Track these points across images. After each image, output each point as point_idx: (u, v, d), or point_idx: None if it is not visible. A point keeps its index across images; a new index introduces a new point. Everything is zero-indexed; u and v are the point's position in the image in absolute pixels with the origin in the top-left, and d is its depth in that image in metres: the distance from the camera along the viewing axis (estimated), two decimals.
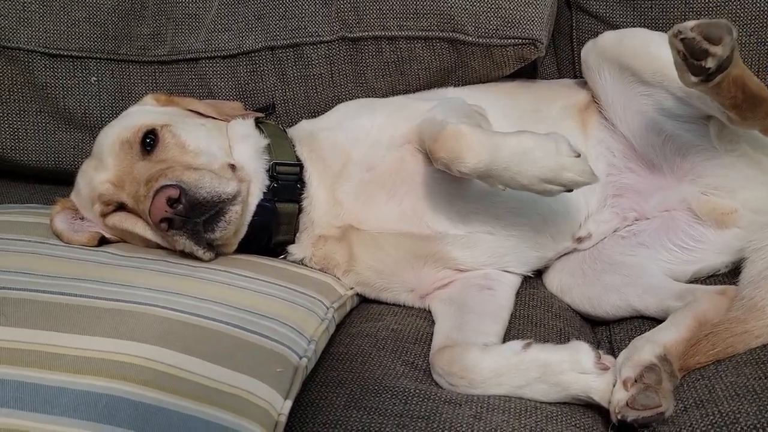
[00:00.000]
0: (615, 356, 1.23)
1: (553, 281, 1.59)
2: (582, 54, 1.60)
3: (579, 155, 1.23)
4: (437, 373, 1.23)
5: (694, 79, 1.19)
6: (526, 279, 1.57)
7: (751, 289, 1.26)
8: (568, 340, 1.35)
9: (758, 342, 1.20)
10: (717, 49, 1.14)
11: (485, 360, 1.20)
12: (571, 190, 1.26)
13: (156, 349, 1.03)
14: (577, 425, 1.15)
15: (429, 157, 1.39)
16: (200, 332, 1.09)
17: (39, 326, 1.06)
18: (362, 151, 1.47)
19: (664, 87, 1.43)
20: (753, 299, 1.23)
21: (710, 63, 1.15)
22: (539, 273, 1.62)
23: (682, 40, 1.16)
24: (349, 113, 1.59)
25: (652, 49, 1.44)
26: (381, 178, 1.46)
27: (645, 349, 1.18)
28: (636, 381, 1.13)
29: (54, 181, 1.91)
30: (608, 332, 1.48)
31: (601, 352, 1.21)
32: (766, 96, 1.26)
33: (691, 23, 1.16)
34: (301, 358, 1.13)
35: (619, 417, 1.11)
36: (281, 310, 1.21)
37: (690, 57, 1.17)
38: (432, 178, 1.44)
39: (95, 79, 1.86)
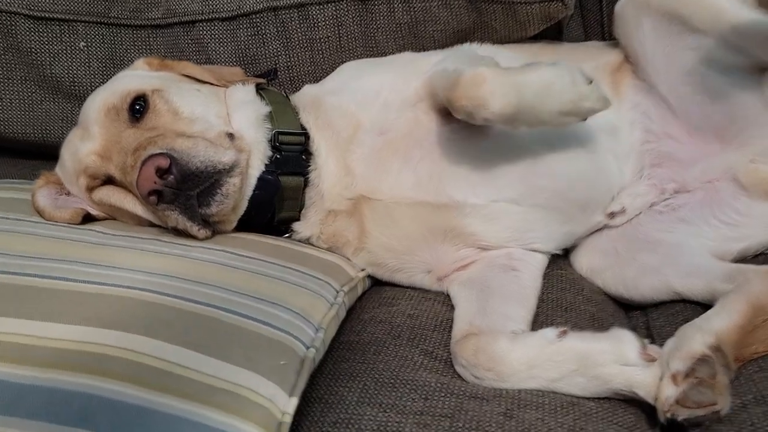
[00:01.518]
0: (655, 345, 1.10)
1: (583, 261, 1.45)
2: (617, 8, 1.46)
3: (591, 81, 1.15)
4: (461, 364, 1.10)
5: None
6: (552, 260, 1.44)
7: None
8: (603, 327, 1.23)
9: None
10: None
11: (516, 350, 1.07)
12: (585, 119, 1.18)
13: (141, 339, 0.90)
14: (619, 423, 1.02)
15: (444, 116, 1.28)
16: (192, 319, 0.96)
17: (11, 313, 0.94)
18: (372, 115, 1.35)
19: (718, 33, 1.28)
20: None
21: None
22: (566, 253, 1.48)
23: None
24: (355, 74, 1.46)
25: None
26: (395, 142, 1.33)
27: (695, 338, 1.04)
28: (687, 375, 0.99)
29: (41, 155, 1.77)
30: (645, 318, 1.35)
31: (646, 341, 1.07)
32: None
33: None
34: (308, 348, 0.99)
35: (668, 416, 0.98)
36: (285, 293, 1.08)
37: None
38: (449, 139, 1.31)
39: (84, 44, 1.73)
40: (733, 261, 1.33)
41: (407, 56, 1.51)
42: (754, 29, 1.16)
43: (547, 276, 1.40)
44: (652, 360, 1.04)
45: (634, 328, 1.32)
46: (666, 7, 1.35)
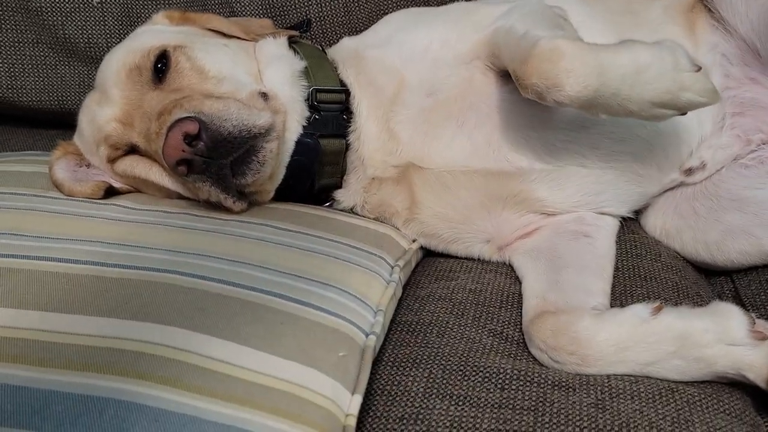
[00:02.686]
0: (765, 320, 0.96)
1: (657, 223, 1.32)
2: None
3: (699, 69, 0.97)
4: (537, 347, 0.97)
5: None
6: (622, 221, 1.29)
7: None
8: (688, 298, 1.11)
9: None
10: None
11: (603, 330, 0.94)
12: (685, 113, 1.00)
13: (178, 331, 0.78)
14: (727, 411, 0.89)
15: (503, 76, 1.14)
16: (236, 306, 0.84)
17: (24, 305, 0.83)
18: (421, 72, 1.21)
19: None
20: None
21: None
22: (636, 214, 1.34)
23: None
24: (402, 25, 1.31)
25: None
26: (446, 105, 1.19)
27: None
28: None
29: (59, 124, 1.68)
30: (732, 285, 1.23)
31: (754, 315, 0.93)
32: None
33: None
34: (368, 335, 0.87)
35: None
36: (337, 272, 0.95)
37: None
38: (510, 101, 1.17)
39: (98, 1, 1.62)
40: None
41: (463, 5, 1.34)
42: None
43: (620, 241, 1.26)
44: (764, 338, 0.91)
45: (719, 297, 1.21)
46: None
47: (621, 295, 1.12)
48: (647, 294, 1.12)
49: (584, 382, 0.91)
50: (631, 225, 1.33)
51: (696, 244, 1.26)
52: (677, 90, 0.97)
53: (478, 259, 1.25)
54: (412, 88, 1.21)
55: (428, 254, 1.28)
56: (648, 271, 1.20)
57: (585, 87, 0.98)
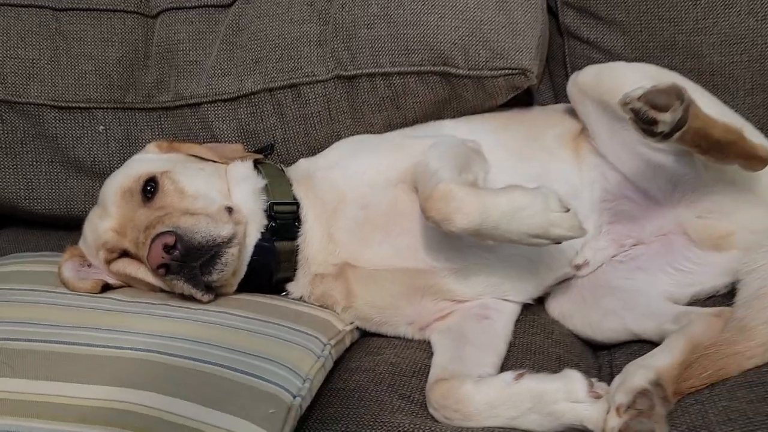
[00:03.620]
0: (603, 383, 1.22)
1: (554, 307, 1.59)
2: (567, 87, 1.62)
3: (568, 210, 1.24)
4: (433, 406, 1.25)
5: (651, 139, 1.23)
6: (528, 306, 1.57)
7: (743, 310, 1.26)
8: (568, 367, 1.36)
9: (751, 363, 1.20)
10: (665, 116, 1.19)
11: (479, 392, 1.21)
12: (560, 242, 1.27)
13: (153, 395, 1.07)
14: None
15: None
16: (195, 376, 1.12)
17: (41, 376, 1.11)
18: (357, 191, 1.49)
19: None
20: (744, 320, 1.23)
21: (661, 128, 1.20)
22: (541, 300, 1.62)
23: (631, 109, 1.20)
24: (346, 152, 1.62)
25: (628, 86, 1.42)
26: (376, 217, 1.47)
27: (637, 374, 1.18)
28: (629, 407, 1.13)
29: (66, 227, 1.95)
30: (610, 357, 1.48)
31: (594, 380, 1.21)
32: (732, 139, 1.29)
33: (638, 92, 1.21)
34: (294, 397, 1.15)
35: None
36: (276, 349, 1.24)
37: (642, 123, 1.20)
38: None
39: (103, 128, 1.91)
40: (687, 304, 1.46)
41: (396, 139, 1.64)
42: None
43: (521, 322, 1.54)
44: (599, 396, 1.18)
45: (600, 367, 1.47)
46: (600, 97, 1.50)
47: (512, 366, 1.36)
48: (533, 365, 1.37)
49: None
50: (535, 308, 1.61)
51: (583, 324, 1.53)
52: (548, 226, 1.23)
53: (404, 338, 1.52)
54: (349, 203, 1.49)
55: (365, 334, 1.55)
56: (539, 346, 1.47)
57: (470, 222, 1.24)
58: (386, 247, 1.46)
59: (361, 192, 1.49)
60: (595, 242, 1.55)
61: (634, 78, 1.43)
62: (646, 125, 1.21)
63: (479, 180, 1.47)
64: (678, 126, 1.20)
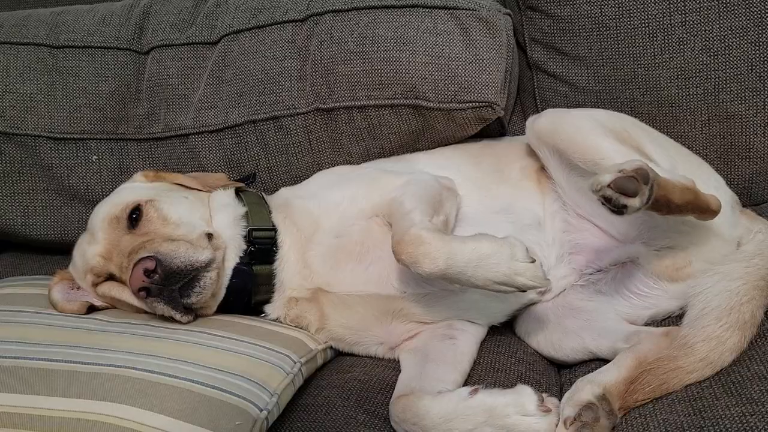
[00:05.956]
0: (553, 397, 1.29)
1: (522, 327, 1.67)
2: (525, 130, 1.68)
3: (533, 261, 1.30)
4: (394, 420, 1.32)
5: (620, 217, 1.29)
6: (496, 327, 1.65)
7: (687, 329, 1.33)
8: (529, 385, 1.43)
9: (692, 378, 1.27)
10: (635, 201, 1.25)
11: (435, 407, 1.28)
12: (524, 291, 1.33)
13: (127, 408, 1.15)
14: None
15: None
16: (168, 391, 1.21)
17: (27, 391, 1.20)
18: (332, 220, 1.57)
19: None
20: (686, 338, 1.31)
21: (631, 210, 1.26)
22: (510, 322, 1.68)
23: (602, 196, 1.26)
24: (323, 183, 1.71)
25: (582, 138, 1.51)
26: (349, 246, 1.55)
27: (585, 389, 1.25)
28: (575, 420, 1.21)
29: (61, 251, 2.03)
30: (571, 375, 1.55)
31: (545, 395, 1.28)
32: (689, 199, 1.36)
33: (607, 178, 1.25)
34: (261, 410, 1.23)
35: None
36: (247, 366, 1.32)
37: (613, 206, 1.26)
38: None
39: (96, 157, 2.02)
40: (645, 324, 1.53)
41: (372, 174, 1.70)
42: None
43: (487, 341, 1.61)
44: (548, 410, 1.25)
45: (562, 385, 1.54)
46: (555, 145, 1.57)
47: (475, 383, 1.44)
48: (495, 382, 1.45)
49: None
50: (503, 329, 1.69)
51: (546, 344, 1.59)
52: (513, 275, 1.28)
53: (375, 357, 1.60)
54: (324, 231, 1.57)
55: (339, 354, 1.63)
56: (503, 364, 1.54)
57: (436, 267, 1.30)
58: (358, 273, 1.54)
59: (336, 222, 1.57)
60: (556, 270, 1.62)
61: (586, 126, 1.52)
62: (616, 209, 1.27)
63: (451, 219, 1.55)
64: (645, 203, 1.27)
